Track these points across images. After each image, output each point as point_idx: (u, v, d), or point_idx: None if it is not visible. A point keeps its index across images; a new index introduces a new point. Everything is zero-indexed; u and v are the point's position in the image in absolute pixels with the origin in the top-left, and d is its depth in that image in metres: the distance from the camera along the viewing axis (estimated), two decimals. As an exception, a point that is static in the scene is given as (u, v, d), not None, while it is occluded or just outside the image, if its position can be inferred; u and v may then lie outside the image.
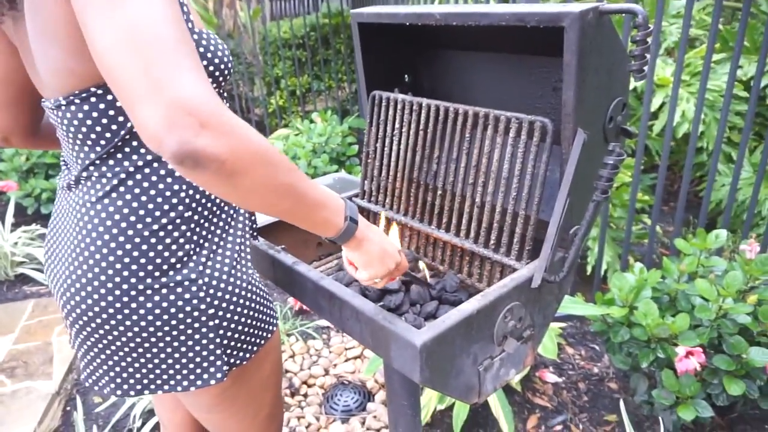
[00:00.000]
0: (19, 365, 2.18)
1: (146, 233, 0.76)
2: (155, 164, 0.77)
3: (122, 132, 0.74)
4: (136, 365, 0.82)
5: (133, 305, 0.77)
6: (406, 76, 1.25)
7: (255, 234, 0.99)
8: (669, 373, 1.49)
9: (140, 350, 0.81)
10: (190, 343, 0.81)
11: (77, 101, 0.72)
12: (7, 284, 2.85)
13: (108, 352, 0.81)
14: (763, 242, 2.13)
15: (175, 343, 0.81)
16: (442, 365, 0.80)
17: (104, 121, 0.73)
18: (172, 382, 0.84)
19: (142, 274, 0.77)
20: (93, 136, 0.75)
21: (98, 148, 0.76)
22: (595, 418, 1.80)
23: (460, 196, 1.06)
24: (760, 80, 1.89)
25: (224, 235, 0.84)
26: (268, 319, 0.92)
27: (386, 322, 0.81)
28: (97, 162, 0.76)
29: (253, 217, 0.96)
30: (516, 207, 0.97)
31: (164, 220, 0.77)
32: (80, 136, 0.75)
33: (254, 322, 0.88)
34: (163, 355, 0.81)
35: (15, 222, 3.15)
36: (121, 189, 0.76)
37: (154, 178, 0.77)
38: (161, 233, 0.77)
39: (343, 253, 0.84)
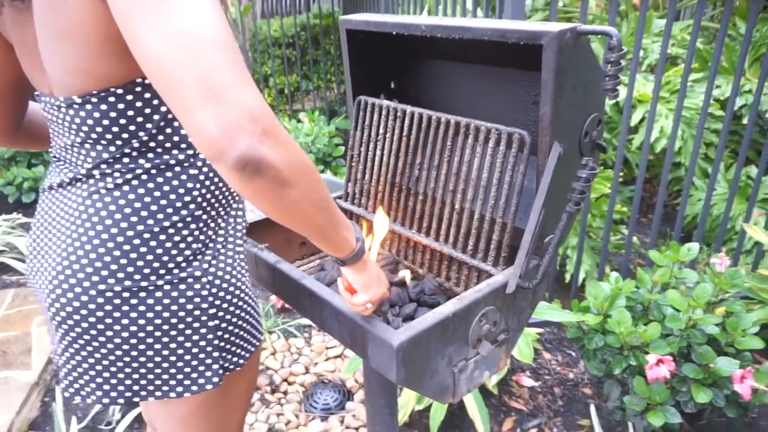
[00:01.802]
0: (-4, 356, 2.16)
1: (156, 229, 0.74)
2: (173, 163, 0.75)
3: (141, 133, 0.73)
4: (128, 370, 0.79)
5: (133, 302, 0.75)
6: (392, 82, 1.29)
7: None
8: (640, 380, 1.54)
9: (134, 353, 0.77)
10: (188, 344, 0.79)
11: (94, 100, 0.70)
12: (-14, 274, 2.83)
13: (97, 355, 0.78)
14: (734, 256, 2.20)
15: (173, 344, 0.78)
16: (418, 365, 0.83)
17: (122, 121, 0.72)
18: (165, 388, 0.81)
19: (147, 271, 0.74)
20: (108, 135, 0.73)
21: (112, 148, 0.74)
22: (569, 422, 1.85)
23: (441, 202, 1.10)
24: (734, 100, 1.95)
25: (228, 236, 0.83)
26: (257, 324, 0.91)
27: (365, 322, 0.84)
28: (110, 161, 0.74)
29: (246, 220, 0.95)
30: (493, 214, 1.00)
31: (175, 218, 0.75)
32: (93, 135, 0.73)
33: (248, 326, 0.87)
34: (158, 358, 0.78)
35: (-3, 211, 3.13)
36: (134, 183, 0.74)
37: (169, 175, 0.75)
38: (171, 231, 0.75)
39: (339, 279, 0.84)
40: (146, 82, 0.70)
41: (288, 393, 2.00)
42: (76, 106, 0.72)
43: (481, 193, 1.02)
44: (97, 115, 0.71)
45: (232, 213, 0.85)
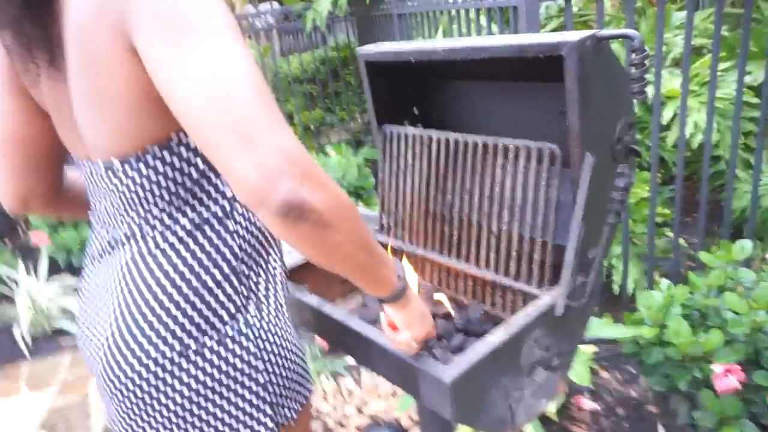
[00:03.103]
0: (59, 421, 2.20)
1: (200, 288, 0.74)
2: (211, 219, 0.75)
3: (180, 190, 0.73)
4: None
5: (184, 365, 0.73)
6: (414, 108, 1.28)
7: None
8: (708, 393, 1.45)
9: (187, 415, 0.76)
10: (239, 401, 0.77)
11: (132, 161, 0.71)
12: (44, 338, 2.89)
13: (151, 421, 0.76)
14: (793, 248, 2.08)
15: (224, 403, 0.76)
16: (473, 400, 0.80)
17: (162, 181, 0.72)
18: None
19: (195, 332, 0.73)
20: (149, 197, 0.73)
21: (153, 209, 0.74)
22: (636, 442, 1.75)
23: (477, 226, 1.07)
24: (770, 85, 1.87)
25: (269, 287, 0.82)
26: (306, 373, 0.88)
27: (413, 360, 0.81)
28: (151, 221, 0.74)
29: (286, 269, 0.93)
30: (532, 234, 0.97)
31: (218, 275, 0.74)
32: (135, 198, 0.73)
33: (297, 377, 0.85)
34: (210, 419, 0.77)
35: (48, 275, 3.21)
36: (175, 243, 0.74)
37: (208, 231, 0.75)
38: (214, 288, 0.74)
39: (381, 316, 0.82)
40: (181, 137, 0.71)
41: (342, 435, 1.96)
42: (115, 169, 0.72)
43: (518, 213, 0.99)
44: (136, 177, 0.72)
45: (272, 262, 0.84)
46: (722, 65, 2.46)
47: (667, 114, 2.40)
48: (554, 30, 2.71)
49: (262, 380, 0.78)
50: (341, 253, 0.63)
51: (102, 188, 0.77)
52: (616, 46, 2.39)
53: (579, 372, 1.73)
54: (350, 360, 2.34)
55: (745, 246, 1.60)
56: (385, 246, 1.22)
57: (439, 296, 1.10)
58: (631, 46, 0.83)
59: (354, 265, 0.67)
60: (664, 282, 1.68)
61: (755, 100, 2.37)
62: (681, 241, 2.23)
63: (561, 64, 0.82)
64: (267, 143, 0.54)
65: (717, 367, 1.39)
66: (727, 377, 1.37)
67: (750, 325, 1.44)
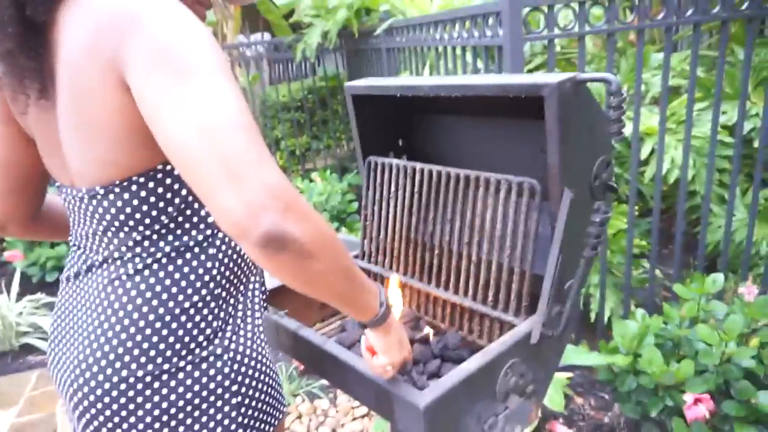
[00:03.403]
0: (24, 438, 2.15)
1: (177, 311, 0.75)
2: (192, 245, 0.76)
3: (162, 217, 0.74)
4: None
5: (156, 386, 0.74)
6: (400, 140, 1.31)
7: (266, 306, 0.98)
8: (679, 422, 1.48)
9: None
10: (211, 423, 0.77)
11: (117, 190, 0.72)
12: (11, 355, 2.84)
13: None
14: (763, 283, 2.14)
15: (196, 425, 0.77)
16: (447, 426, 0.82)
17: (144, 208, 0.73)
18: None
19: (169, 353, 0.74)
20: (131, 222, 0.74)
21: (134, 233, 0.75)
22: (609, 470, 1.76)
23: (457, 255, 1.10)
24: (743, 124, 1.96)
25: (246, 311, 0.84)
26: (280, 397, 0.89)
27: (388, 385, 0.83)
28: (131, 246, 0.75)
29: (264, 290, 0.94)
30: (511, 263, 1.00)
31: (196, 298, 0.76)
32: (116, 223, 0.75)
33: (271, 400, 0.86)
34: None
35: (20, 291, 3.17)
36: (155, 267, 0.75)
37: (188, 256, 0.76)
38: (192, 311, 0.75)
39: (362, 339, 0.84)
40: (167, 168, 0.73)
41: (317, 456, 1.95)
42: (99, 197, 0.74)
43: (497, 243, 1.02)
44: (119, 204, 0.73)
45: (251, 287, 0.86)
46: (698, 105, 2.55)
47: (645, 150, 2.47)
48: (538, 66, 2.79)
49: (235, 402, 0.79)
50: (323, 282, 0.65)
51: (83, 213, 0.78)
52: (596, 85, 2.46)
53: (553, 398, 1.75)
54: (326, 381, 2.33)
55: (717, 279, 1.65)
56: (373, 275, 1.25)
57: (423, 324, 1.12)
58: (609, 90, 0.88)
59: (336, 293, 0.69)
60: (640, 312, 1.72)
61: (729, 139, 2.46)
62: (657, 272, 2.29)
63: (542, 103, 0.86)
64: (252, 179, 0.57)
65: (688, 397, 1.42)
66: (697, 406, 1.40)
67: (720, 356, 1.48)
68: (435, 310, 1.16)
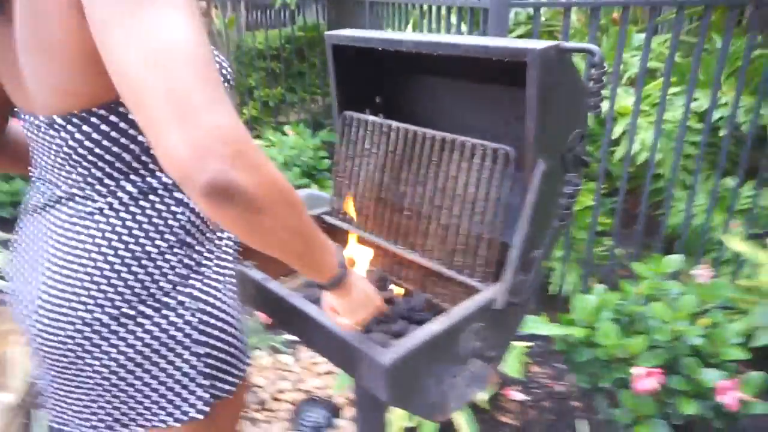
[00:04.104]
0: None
1: (141, 255, 0.72)
2: (159, 187, 0.73)
3: (125, 155, 0.71)
4: (112, 399, 0.76)
5: (118, 329, 0.72)
6: (377, 97, 1.29)
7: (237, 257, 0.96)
8: (628, 393, 1.54)
9: (118, 381, 0.75)
10: (174, 372, 0.76)
11: (76, 121, 0.68)
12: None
13: (81, 384, 0.75)
14: (715, 266, 2.23)
15: (159, 372, 0.75)
16: (408, 384, 0.83)
17: (106, 143, 0.70)
18: (151, 417, 0.78)
19: (132, 297, 0.72)
20: (91, 157, 0.71)
21: (95, 170, 0.72)
22: (557, 436, 1.84)
23: (427, 218, 1.10)
24: (712, 112, 1.99)
25: (216, 260, 0.81)
26: (245, 348, 0.88)
27: (353, 341, 0.83)
28: (93, 182, 0.72)
29: (236, 242, 0.91)
30: (480, 230, 1.00)
31: (161, 243, 0.73)
32: (75, 157, 0.71)
33: (236, 351, 0.84)
34: (143, 387, 0.76)
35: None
36: (119, 207, 0.72)
37: (155, 199, 0.73)
38: (157, 256, 0.73)
39: (323, 298, 0.83)
40: None
41: (276, 411, 1.97)
42: (57, 127, 0.70)
43: (468, 209, 1.02)
44: (79, 136, 0.69)
45: (222, 236, 0.84)
46: (672, 89, 2.59)
47: (617, 129, 2.50)
48: (520, 36, 2.77)
49: (200, 352, 0.77)
50: (273, 239, 0.61)
51: (44, 144, 0.74)
52: (576, 59, 2.46)
53: (512, 365, 1.80)
54: (290, 336, 2.35)
55: (674, 260, 1.70)
56: (343, 232, 1.24)
57: (390, 285, 1.12)
58: (591, 61, 0.87)
59: (288, 251, 0.66)
60: (599, 287, 1.77)
61: (699, 126, 2.51)
62: (618, 250, 2.35)
63: (524, 70, 0.85)
64: (201, 119, 0.51)
65: (638, 370, 1.48)
66: (646, 379, 1.46)
67: (671, 333, 1.54)
68: (402, 272, 1.16)
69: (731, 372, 1.52)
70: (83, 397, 0.76)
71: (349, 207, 1.16)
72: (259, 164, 0.56)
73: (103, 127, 0.69)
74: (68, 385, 0.77)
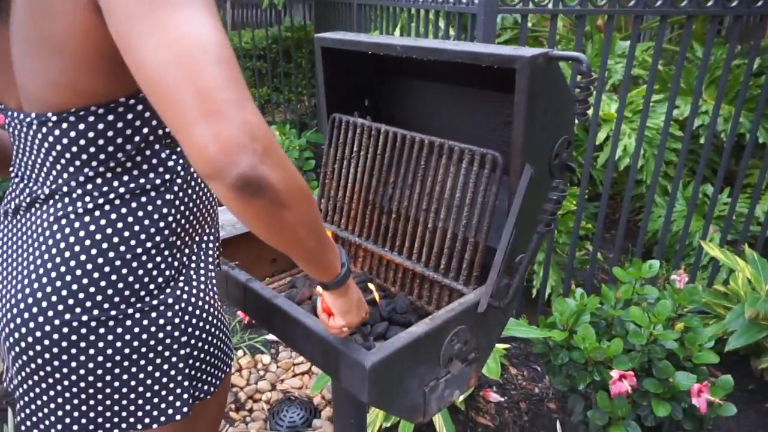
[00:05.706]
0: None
1: (128, 256, 0.71)
2: (149, 188, 0.73)
3: (119, 154, 0.70)
4: (92, 402, 0.75)
5: (102, 332, 0.71)
6: (366, 100, 1.29)
7: (219, 259, 0.95)
8: (603, 395, 1.57)
9: (99, 384, 0.74)
10: (157, 373, 0.76)
11: (71, 119, 0.67)
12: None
13: (60, 387, 0.74)
14: (692, 272, 2.27)
15: (141, 374, 0.75)
16: (390, 386, 0.83)
17: (100, 142, 0.69)
18: (131, 419, 0.77)
19: (117, 299, 0.71)
20: (84, 156, 0.70)
21: (87, 169, 0.70)
22: (534, 437, 1.86)
23: (413, 221, 1.10)
24: (693, 120, 2.03)
25: (200, 262, 0.81)
26: (228, 351, 0.88)
27: (337, 343, 0.83)
28: (82, 182, 0.71)
29: (219, 243, 0.92)
30: (466, 234, 1.01)
31: (148, 244, 0.73)
32: (67, 155, 0.70)
33: (220, 353, 0.84)
34: (125, 389, 0.75)
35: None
36: (107, 208, 0.71)
37: (144, 200, 0.73)
38: (143, 257, 0.72)
39: (318, 301, 0.83)
40: (130, 102, 0.68)
41: (253, 411, 1.96)
42: (50, 124, 0.68)
43: (454, 213, 1.02)
44: (72, 134, 0.68)
45: (206, 238, 0.83)
46: (654, 97, 2.63)
47: (601, 135, 2.54)
48: (506, 41, 2.79)
49: (183, 353, 0.77)
50: (293, 235, 0.63)
51: (29, 141, 0.72)
52: (562, 65, 2.49)
53: (490, 366, 1.82)
54: (269, 336, 2.34)
55: (653, 265, 1.73)
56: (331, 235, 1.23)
57: (371, 286, 1.12)
58: (578, 69, 0.88)
59: (303, 248, 0.67)
60: (579, 291, 1.79)
61: (679, 133, 2.56)
62: (599, 254, 2.38)
63: (512, 76, 0.86)
64: (231, 115, 0.52)
65: (614, 372, 1.51)
66: (621, 382, 1.49)
67: (647, 337, 1.57)
68: (387, 274, 1.17)
69: (703, 376, 1.56)
70: (60, 400, 0.75)
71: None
72: (284, 161, 0.58)
73: (100, 125, 0.68)
74: (44, 389, 0.74)
